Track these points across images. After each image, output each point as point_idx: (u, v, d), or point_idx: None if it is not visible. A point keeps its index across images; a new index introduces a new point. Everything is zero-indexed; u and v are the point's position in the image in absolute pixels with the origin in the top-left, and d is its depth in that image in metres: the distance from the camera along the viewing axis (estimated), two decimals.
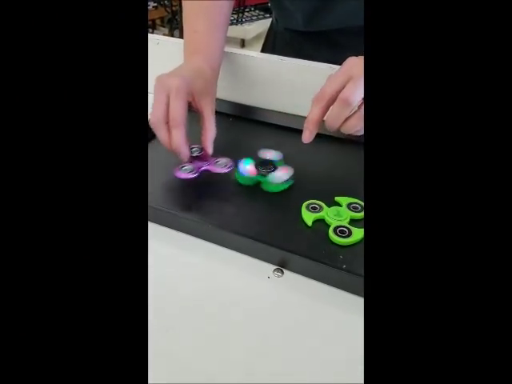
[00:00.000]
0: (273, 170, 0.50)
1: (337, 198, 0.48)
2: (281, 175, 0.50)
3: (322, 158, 0.58)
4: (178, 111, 0.47)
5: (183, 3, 0.61)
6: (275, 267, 0.42)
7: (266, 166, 0.51)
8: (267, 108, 0.65)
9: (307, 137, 0.46)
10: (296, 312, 0.38)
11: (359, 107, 0.42)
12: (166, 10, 2.59)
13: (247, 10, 2.54)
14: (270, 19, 0.86)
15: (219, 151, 0.52)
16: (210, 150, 0.51)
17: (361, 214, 0.46)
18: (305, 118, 0.46)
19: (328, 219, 0.45)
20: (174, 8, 2.47)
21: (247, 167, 0.51)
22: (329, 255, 0.42)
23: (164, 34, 2.57)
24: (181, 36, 2.04)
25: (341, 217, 0.45)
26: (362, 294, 0.39)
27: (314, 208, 0.47)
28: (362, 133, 0.44)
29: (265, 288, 0.40)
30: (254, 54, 0.66)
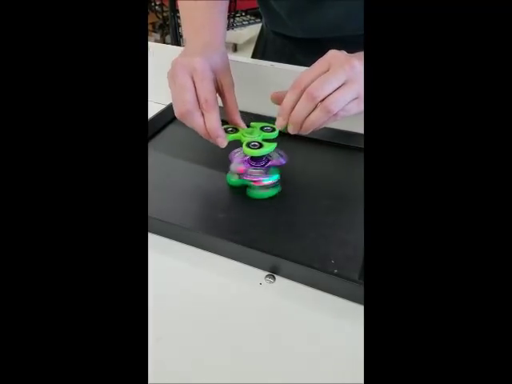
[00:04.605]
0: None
1: (252, 124, 0.51)
2: (267, 181, 0.50)
3: (313, 162, 0.59)
4: (210, 93, 0.45)
5: None
6: (267, 273, 0.42)
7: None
8: (257, 113, 0.65)
9: (280, 123, 0.46)
10: (289, 318, 0.38)
11: (323, 100, 0.42)
12: (157, 16, 2.59)
13: (238, 15, 2.55)
14: (261, 24, 0.86)
15: (210, 154, 0.52)
16: (242, 124, 0.50)
17: (272, 134, 0.50)
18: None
19: (242, 138, 0.49)
20: (165, 14, 2.47)
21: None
22: (320, 260, 0.42)
23: (156, 40, 2.57)
24: (173, 42, 2.04)
25: (253, 135, 0.49)
26: (354, 298, 0.39)
27: (231, 130, 0.50)
28: (322, 126, 0.44)
29: (257, 295, 0.40)
30: (245, 59, 0.66)
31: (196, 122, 0.45)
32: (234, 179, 0.52)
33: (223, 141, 0.46)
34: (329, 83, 0.41)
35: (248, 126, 0.51)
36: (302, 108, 0.43)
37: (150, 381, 0.29)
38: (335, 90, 0.41)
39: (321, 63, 0.43)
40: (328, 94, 0.41)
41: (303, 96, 0.42)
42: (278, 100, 0.47)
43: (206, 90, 0.45)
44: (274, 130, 0.50)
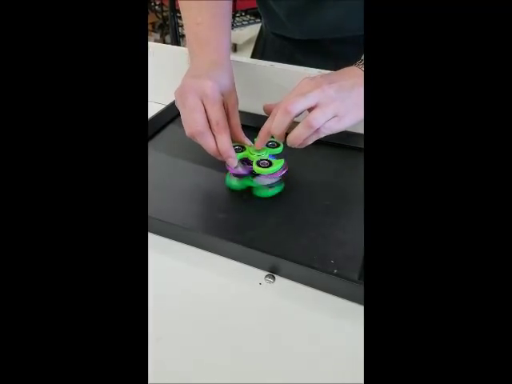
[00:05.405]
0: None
1: (255, 139, 0.51)
2: (267, 179, 0.50)
3: (313, 162, 0.59)
4: (221, 115, 0.47)
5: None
6: (267, 273, 0.42)
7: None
8: (257, 113, 0.65)
9: (257, 144, 0.49)
10: (288, 318, 0.38)
11: (304, 119, 0.44)
12: (156, 16, 2.59)
13: (238, 15, 2.55)
14: (261, 24, 0.86)
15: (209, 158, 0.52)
16: (248, 141, 0.51)
17: (277, 149, 0.51)
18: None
19: (250, 156, 0.50)
20: (164, 14, 2.47)
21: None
22: (320, 260, 0.42)
23: (156, 40, 2.57)
24: (173, 42, 2.04)
25: (260, 153, 0.50)
26: (354, 298, 0.39)
27: (238, 149, 0.50)
28: (308, 142, 0.46)
29: (257, 295, 0.40)
30: (245, 59, 0.66)
31: (207, 142, 0.47)
32: (234, 182, 0.51)
33: (234, 161, 0.48)
34: (303, 98, 0.43)
35: (252, 141, 0.51)
36: (278, 121, 0.45)
37: (150, 381, 0.29)
38: (311, 108, 0.44)
39: (293, 91, 0.46)
40: (302, 108, 0.44)
41: (278, 111, 0.45)
42: (269, 112, 0.48)
43: (217, 114, 0.47)
44: (278, 145, 0.51)
